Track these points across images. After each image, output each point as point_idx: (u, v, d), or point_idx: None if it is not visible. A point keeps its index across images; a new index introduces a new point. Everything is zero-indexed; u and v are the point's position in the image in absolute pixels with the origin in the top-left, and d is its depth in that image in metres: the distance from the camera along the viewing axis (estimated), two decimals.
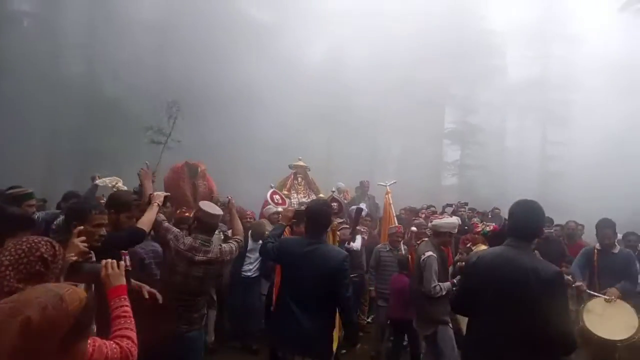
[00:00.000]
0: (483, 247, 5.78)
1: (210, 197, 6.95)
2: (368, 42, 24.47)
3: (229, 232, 6.72)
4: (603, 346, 4.38)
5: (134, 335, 1.82)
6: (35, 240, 1.63)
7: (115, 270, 1.96)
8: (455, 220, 5.03)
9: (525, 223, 2.88)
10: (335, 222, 6.32)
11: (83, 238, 2.56)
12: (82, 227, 2.70)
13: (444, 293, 4.54)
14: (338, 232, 6.46)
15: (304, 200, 8.22)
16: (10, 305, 1.24)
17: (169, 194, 4.10)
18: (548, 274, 2.61)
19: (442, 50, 24.50)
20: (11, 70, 15.05)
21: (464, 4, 25.40)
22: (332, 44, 25.01)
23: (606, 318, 4.53)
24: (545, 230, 7.10)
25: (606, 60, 25.41)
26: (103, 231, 2.96)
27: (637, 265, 5.44)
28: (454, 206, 10.43)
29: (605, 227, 5.31)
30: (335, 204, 6.29)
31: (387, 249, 6.52)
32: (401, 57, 24.20)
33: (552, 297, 2.55)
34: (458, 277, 4.79)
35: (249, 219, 7.07)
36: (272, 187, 8.10)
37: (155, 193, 3.76)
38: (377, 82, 23.64)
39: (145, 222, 3.43)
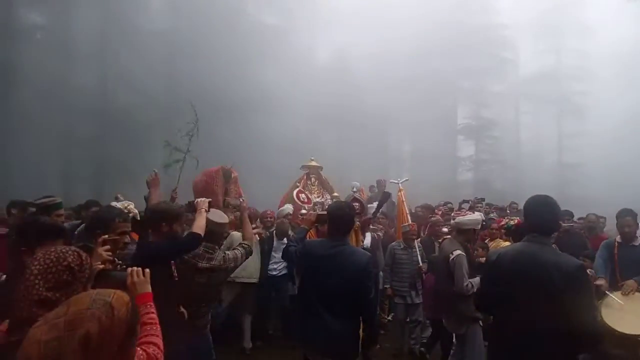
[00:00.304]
0: (502, 242, 5.71)
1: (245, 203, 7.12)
2: (376, 40, 24.43)
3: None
4: (624, 342, 4.18)
5: (160, 341, 1.85)
6: (63, 250, 1.66)
7: (140, 277, 2.01)
8: (478, 216, 4.93)
9: (541, 218, 2.87)
10: (357, 222, 6.29)
11: (107, 247, 2.58)
12: (106, 235, 2.72)
13: (475, 290, 4.48)
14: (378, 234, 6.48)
15: (318, 200, 8.20)
16: (64, 320, 1.24)
17: (210, 199, 4.08)
18: (570, 268, 2.59)
19: (453, 44, 24.36)
20: (26, 82, 15.32)
21: None
22: (340, 43, 25.02)
23: (626, 312, 4.34)
24: (566, 224, 6.96)
25: (617, 49, 25.12)
26: (127, 239, 3.01)
27: None
28: (470, 202, 10.29)
29: (625, 215, 5.13)
30: (357, 204, 6.20)
31: (402, 246, 6.46)
32: (410, 54, 24.12)
33: (575, 290, 2.53)
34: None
35: (269, 219, 7.04)
36: (297, 186, 8.16)
37: (199, 200, 3.78)
38: (386, 80, 23.58)
39: (199, 227, 3.46)
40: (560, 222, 2.98)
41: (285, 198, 8.46)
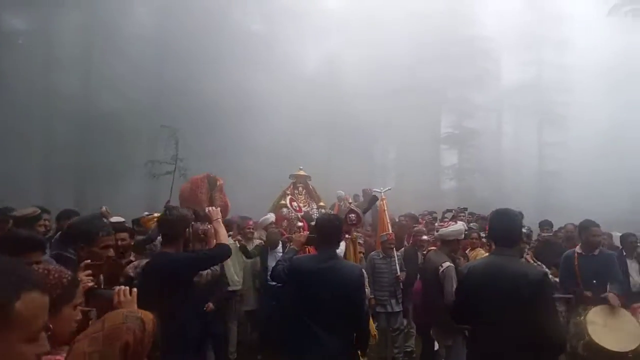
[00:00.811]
0: (482, 251, 5.81)
1: (226, 212, 7.07)
2: (363, 49, 24.62)
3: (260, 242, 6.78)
4: (613, 359, 4.19)
5: None
6: (56, 269, 1.69)
7: (127, 297, 2.03)
8: (460, 226, 4.98)
9: (503, 231, 3.01)
10: (355, 233, 6.32)
11: (89, 272, 2.55)
12: (88, 261, 2.66)
13: None
14: (359, 242, 6.48)
15: (304, 209, 8.24)
16: (102, 334, 1.39)
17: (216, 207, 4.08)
18: (536, 277, 2.71)
19: (439, 55, 24.70)
20: (6, 85, 15.09)
21: (458, 11, 25.62)
22: (328, 51, 25.18)
23: (610, 329, 4.31)
24: (545, 234, 7.10)
25: (597, 61, 25.70)
26: (110, 252, 2.95)
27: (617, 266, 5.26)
28: (453, 211, 10.42)
29: (592, 225, 5.16)
30: (353, 215, 6.22)
31: (381, 256, 6.52)
32: (396, 64, 24.36)
33: (541, 299, 2.66)
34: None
35: (249, 229, 6.99)
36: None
37: (211, 209, 3.75)
38: (373, 88, 23.74)
39: (223, 236, 3.49)
40: (522, 234, 3.10)
41: (273, 207, 8.49)
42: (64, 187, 16.65)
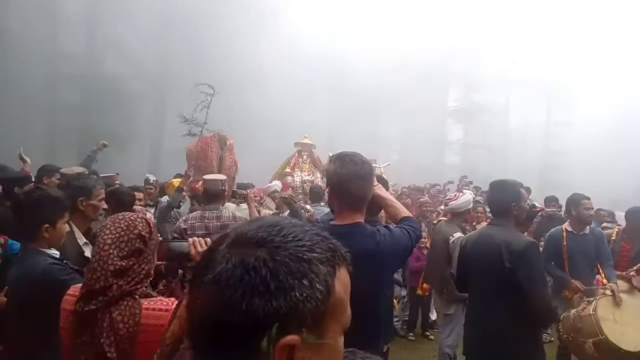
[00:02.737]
0: (485, 224, 5.79)
1: (234, 172, 7.14)
2: (370, 21, 24.18)
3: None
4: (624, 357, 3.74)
5: None
6: (132, 217, 1.66)
7: (203, 246, 1.91)
8: (468, 195, 4.98)
9: (497, 201, 3.04)
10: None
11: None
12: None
13: None
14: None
15: (307, 178, 8.20)
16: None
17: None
18: (520, 246, 2.70)
19: (446, 27, 24.22)
20: (9, 45, 14.88)
21: None
22: (333, 23, 24.69)
23: (620, 324, 3.81)
24: (550, 209, 7.04)
25: (610, 37, 25.20)
26: (104, 204, 3.02)
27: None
28: (456, 182, 10.41)
29: (583, 198, 4.49)
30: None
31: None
32: (404, 36, 23.92)
33: (524, 267, 2.64)
34: None
35: (258, 196, 6.88)
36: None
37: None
38: (379, 61, 23.41)
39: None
40: (517, 204, 3.06)
41: (275, 175, 8.46)
42: (67, 148, 16.64)
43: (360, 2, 24.44)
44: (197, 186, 6.06)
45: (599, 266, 4.35)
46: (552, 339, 5.48)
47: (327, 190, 2.05)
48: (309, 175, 8.38)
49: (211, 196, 4.05)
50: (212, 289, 0.63)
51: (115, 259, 1.53)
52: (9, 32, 14.94)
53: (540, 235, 6.40)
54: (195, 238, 1.97)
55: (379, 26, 24.10)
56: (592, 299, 3.96)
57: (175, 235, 3.87)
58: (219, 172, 6.57)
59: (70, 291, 1.64)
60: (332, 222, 2.03)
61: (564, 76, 26.15)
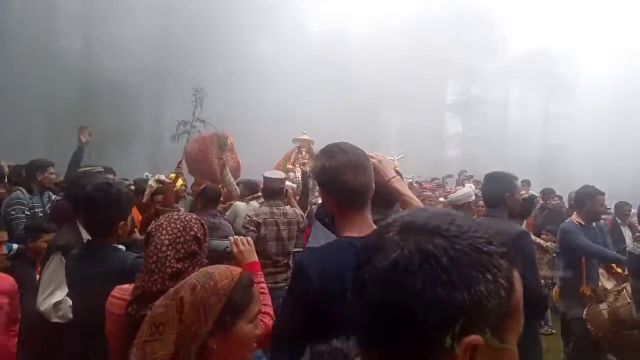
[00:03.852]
0: None
1: (239, 171, 6.96)
2: (369, 14, 24.07)
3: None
4: None
5: (272, 311, 1.82)
6: (187, 218, 1.60)
7: (247, 246, 1.92)
8: (469, 189, 5.00)
9: (491, 193, 3.10)
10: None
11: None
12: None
13: None
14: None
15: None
16: (174, 290, 1.27)
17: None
18: (512, 234, 2.69)
19: (445, 20, 24.13)
20: (6, 44, 14.82)
21: None
22: (334, 17, 24.60)
23: None
24: (552, 202, 7.07)
25: (608, 30, 25.14)
26: None
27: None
28: (455, 176, 10.42)
29: (598, 194, 4.30)
30: None
31: None
32: (403, 29, 23.84)
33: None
34: None
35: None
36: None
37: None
38: (378, 55, 23.33)
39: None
40: (509, 195, 3.07)
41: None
42: (65, 146, 16.59)
43: None
44: (199, 190, 5.94)
45: None
46: (554, 331, 5.50)
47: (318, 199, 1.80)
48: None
49: (273, 193, 4.25)
50: (388, 277, 0.57)
51: (172, 261, 1.48)
52: (7, 31, 14.89)
53: (542, 228, 6.44)
54: (237, 237, 1.97)
55: (378, 20, 24.00)
56: (617, 289, 3.72)
57: (252, 228, 4.04)
58: (222, 173, 6.40)
59: (115, 293, 1.59)
60: (347, 235, 1.59)
61: (563, 68, 26.11)
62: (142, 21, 18.07)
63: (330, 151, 1.62)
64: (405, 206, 1.91)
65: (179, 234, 1.53)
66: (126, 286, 1.57)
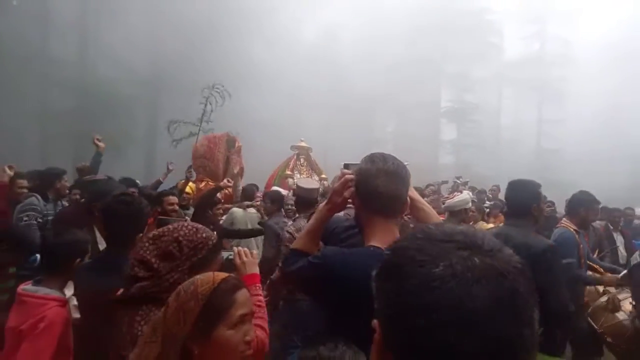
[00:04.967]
0: (484, 224, 5.84)
1: (241, 176, 6.91)
2: (363, 21, 24.24)
3: None
4: None
5: (266, 324, 1.80)
6: (184, 224, 1.61)
7: (249, 257, 1.91)
8: (466, 195, 4.95)
9: (517, 201, 2.96)
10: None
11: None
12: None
13: None
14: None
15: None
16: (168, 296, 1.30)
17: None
18: (539, 248, 2.64)
19: (439, 28, 24.32)
20: (2, 51, 14.75)
21: None
22: (328, 24, 24.76)
23: None
24: (549, 209, 7.09)
25: (599, 36, 25.46)
26: None
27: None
28: (451, 182, 10.44)
29: (595, 203, 4.17)
30: None
31: None
32: (397, 36, 24.02)
33: (544, 271, 2.54)
34: None
35: (258, 201, 6.51)
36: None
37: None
38: (373, 62, 23.47)
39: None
40: (538, 206, 3.01)
41: (273, 177, 8.46)
42: (60, 154, 16.51)
43: (355, 2, 24.51)
44: (200, 186, 5.95)
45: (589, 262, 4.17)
46: None
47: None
48: (307, 177, 8.41)
49: (308, 204, 3.89)
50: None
51: (146, 252, 1.50)
52: (1, 38, 14.82)
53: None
54: (241, 248, 1.95)
55: (372, 28, 24.17)
56: (621, 297, 3.48)
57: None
58: (224, 173, 6.46)
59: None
60: (371, 244, 1.58)
61: (555, 74, 26.38)
62: (137, 28, 18.06)
63: (372, 156, 1.65)
64: (416, 213, 1.88)
65: (164, 233, 1.55)
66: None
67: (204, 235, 1.58)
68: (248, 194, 6.25)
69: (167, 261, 1.51)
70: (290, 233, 3.86)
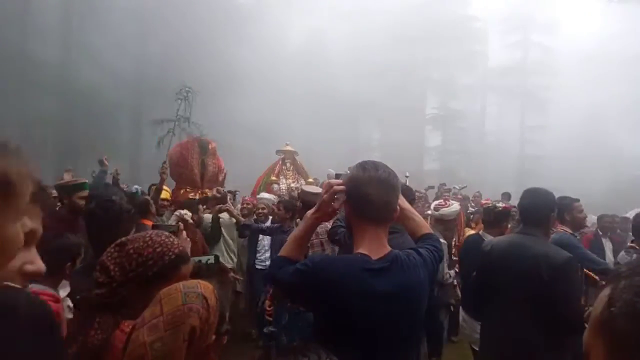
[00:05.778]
0: (469, 230, 5.86)
1: (221, 177, 6.86)
2: (349, 27, 24.39)
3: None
4: None
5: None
6: (143, 236, 1.52)
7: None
8: (457, 206, 5.03)
9: (534, 210, 2.89)
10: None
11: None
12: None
13: (452, 281, 4.66)
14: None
15: (293, 185, 8.19)
16: (163, 320, 1.21)
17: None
18: (559, 260, 2.59)
19: (424, 35, 24.60)
20: None
21: None
22: (313, 29, 24.87)
23: None
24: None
25: (582, 45, 25.97)
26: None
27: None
28: (437, 189, 10.53)
29: (574, 202, 4.29)
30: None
31: None
32: (383, 43, 24.20)
33: (562, 282, 2.55)
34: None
35: (246, 205, 6.40)
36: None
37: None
38: (358, 68, 23.60)
39: None
40: (552, 216, 3.00)
41: (259, 182, 8.41)
42: (42, 160, 16.23)
43: (341, 8, 24.71)
44: (180, 193, 5.89)
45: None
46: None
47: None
48: (293, 182, 8.39)
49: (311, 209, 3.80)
50: None
51: (110, 257, 1.45)
52: None
53: None
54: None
55: (359, 32, 24.34)
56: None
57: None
58: (202, 179, 6.40)
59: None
60: (360, 251, 1.59)
61: (537, 81, 26.81)
62: (122, 31, 17.89)
63: (364, 163, 1.66)
64: (406, 222, 1.87)
65: (128, 241, 1.49)
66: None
67: (157, 250, 1.47)
68: (220, 198, 6.07)
69: (121, 272, 1.43)
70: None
